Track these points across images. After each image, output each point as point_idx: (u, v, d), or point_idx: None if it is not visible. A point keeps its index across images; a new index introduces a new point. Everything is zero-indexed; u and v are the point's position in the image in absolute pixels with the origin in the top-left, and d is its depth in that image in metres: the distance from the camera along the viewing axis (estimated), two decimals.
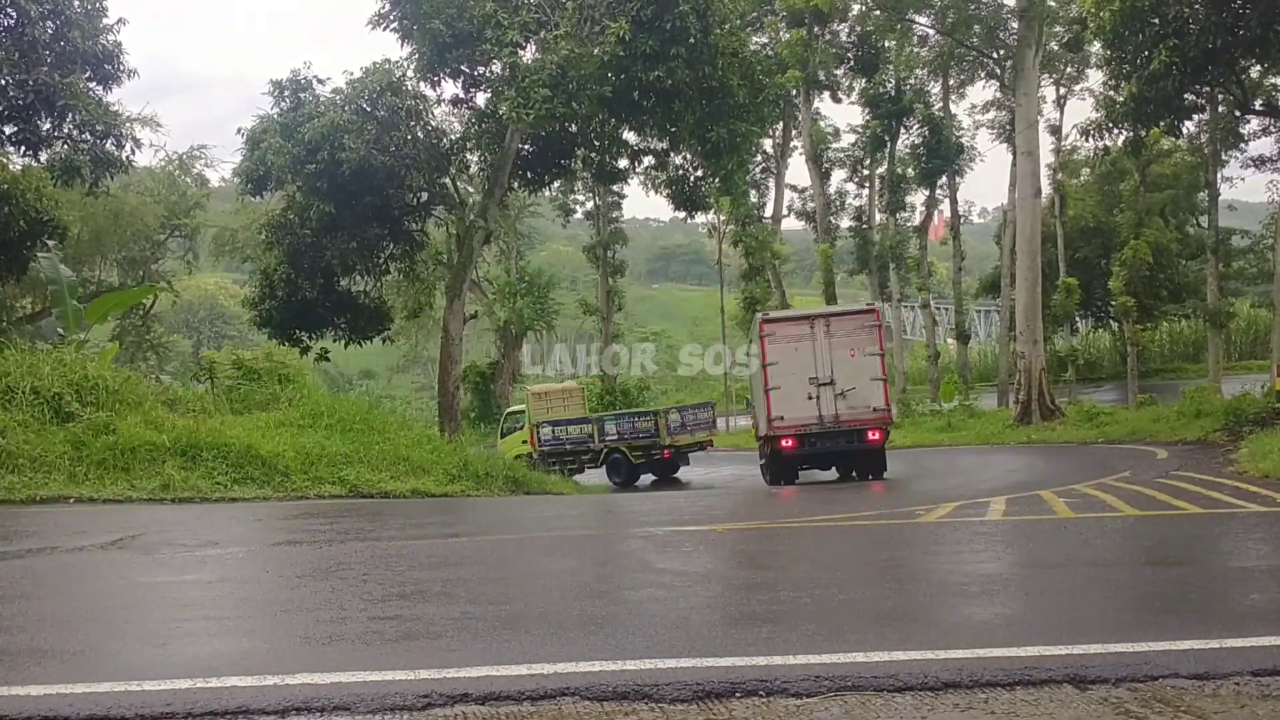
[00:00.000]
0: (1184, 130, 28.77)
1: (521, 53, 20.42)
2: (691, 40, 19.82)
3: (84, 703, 3.58)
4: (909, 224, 42.74)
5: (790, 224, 53.21)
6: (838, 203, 45.04)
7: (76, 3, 19.48)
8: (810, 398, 17.11)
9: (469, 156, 25.04)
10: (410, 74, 22.18)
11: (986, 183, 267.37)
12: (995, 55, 38.00)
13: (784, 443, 17.29)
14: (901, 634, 4.69)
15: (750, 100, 21.92)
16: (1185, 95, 20.48)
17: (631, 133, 24.68)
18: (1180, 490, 12.29)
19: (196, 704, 3.55)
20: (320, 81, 22.80)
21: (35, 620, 5.34)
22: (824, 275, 41.92)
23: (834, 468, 18.57)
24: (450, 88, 23.30)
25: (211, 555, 7.89)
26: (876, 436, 17.42)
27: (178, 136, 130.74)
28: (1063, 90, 42.66)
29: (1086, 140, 24.11)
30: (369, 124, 21.07)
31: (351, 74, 22.17)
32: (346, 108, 21.35)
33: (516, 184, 26.13)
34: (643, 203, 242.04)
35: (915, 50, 39.86)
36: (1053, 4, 33.01)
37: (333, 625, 5.09)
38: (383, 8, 21.48)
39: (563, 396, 30.11)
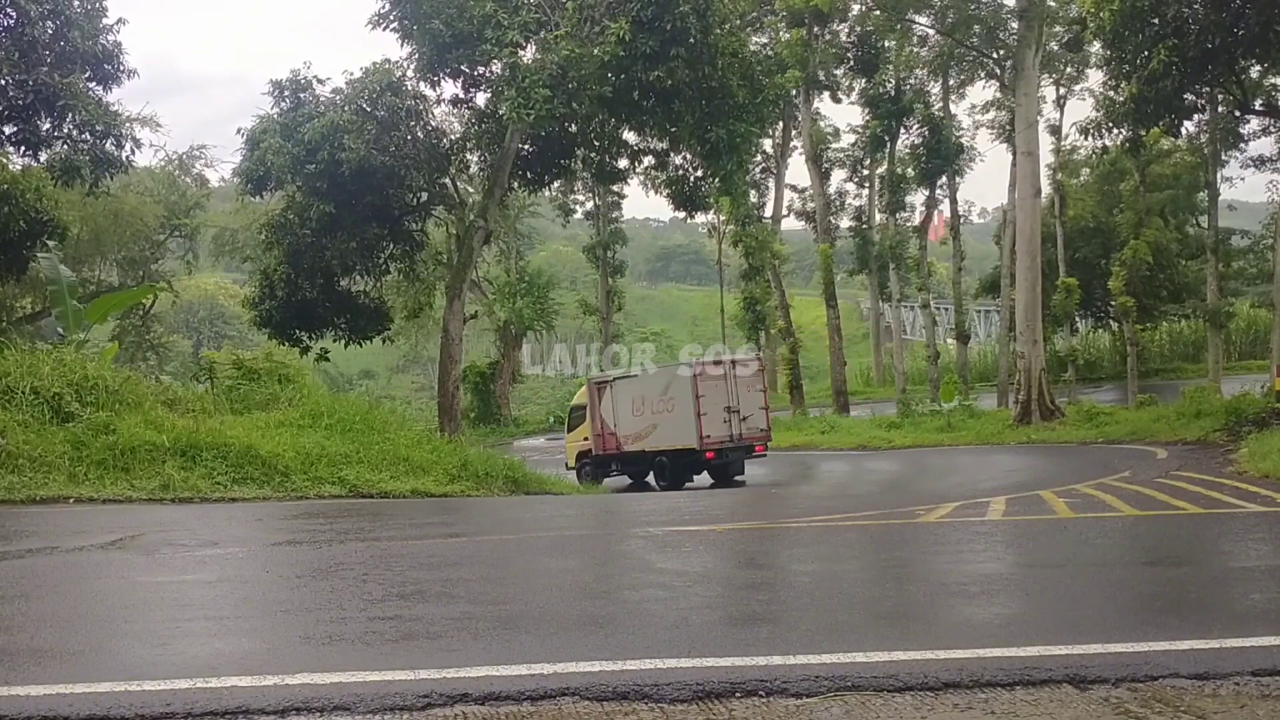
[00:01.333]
0: (1184, 130, 28.80)
1: (521, 53, 20.42)
2: (691, 40, 19.82)
3: (84, 703, 3.58)
4: (909, 224, 42.72)
5: (790, 224, 53.31)
6: (838, 203, 45.06)
7: (76, 3, 19.49)
8: (725, 421, 22.17)
9: (469, 156, 25.04)
10: (410, 74, 22.18)
11: (986, 183, 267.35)
12: (995, 55, 37.97)
13: (708, 454, 22.05)
14: (901, 634, 4.69)
15: (750, 100, 21.92)
16: (1185, 95, 20.48)
17: (631, 133, 24.68)
18: (1180, 490, 12.30)
19: (196, 704, 3.55)
20: (320, 81, 22.82)
21: (35, 620, 5.34)
22: (824, 275, 41.93)
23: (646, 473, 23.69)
24: (450, 88, 23.32)
25: (211, 555, 7.89)
26: (761, 449, 23.05)
27: (178, 136, 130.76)
28: (1063, 90, 42.66)
29: (1086, 139, 24.12)
30: (369, 124, 21.06)
31: (351, 74, 22.20)
32: (346, 108, 21.33)
33: (516, 184, 26.12)
34: (643, 203, 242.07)
35: (915, 50, 39.84)
36: (1053, 4, 33.00)
37: (333, 625, 5.09)
38: (383, 8, 21.48)
39: None
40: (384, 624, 5.05)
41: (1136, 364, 37.63)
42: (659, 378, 23.85)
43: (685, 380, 22.40)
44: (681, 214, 30.59)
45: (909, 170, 39.82)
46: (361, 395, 37.75)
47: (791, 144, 47.12)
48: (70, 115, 19.25)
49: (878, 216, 43.66)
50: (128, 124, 21.68)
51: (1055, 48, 37.43)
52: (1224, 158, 37.86)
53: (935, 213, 42.48)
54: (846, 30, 38.62)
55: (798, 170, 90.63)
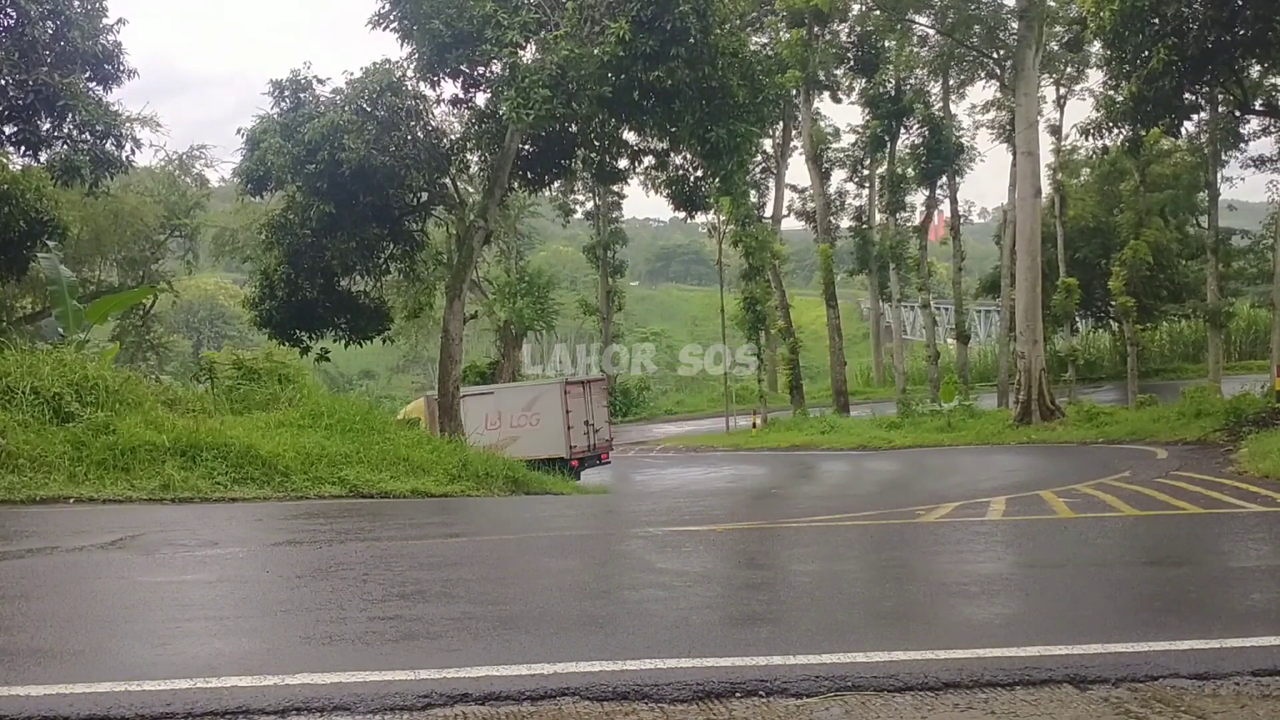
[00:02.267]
0: (1184, 130, 28.76)
1: (521, 53, 20.36)
2: (691, 40, 19.78)
3: (84, 703, 3.58)
4: (909, 224, 42.71)
5: (790, 224, 53.33)
6: (838, 203, 45.05)
7: (76, 3, 19.46)
8: (585, 433, 25.91)
9: (469, 156, 24.97)
10: (410, 74, 22.12)
11: (986, 183, 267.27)
12: (995, 55, 37.97)
13: (574, 462, 24.96)
14: (901, 634, 4.69)
15: (750, 100, 21.86)
16: (1185, 95, 20.46)
17: (631, 133, 24.62)
18: (1180, 490, 12.31)
19: (196, 704, 3.55)
20: (320, 82, 22.72)
21: (35, 620, 5.34)
22: (824, 275, 41.92)
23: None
24: (450, 88, 23.24)
25: (211, 555, 7.88)
26: (606, 457, 26.75)
27: (178, 136, 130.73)
28: (1063, 90, 42.66)
29: (1086, 140, 24.11)
30: (369, 124, 21.00)
31: (351, 74, 22.10)
32: (346, 108, 21.27)
33: (516, 184, 26.07)
34: (643, 203, 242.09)
35: (915, 50, 39.84)
36: (1053, 4, 33.00)
37: (333, 625, 5.09)
38: (383, 8, 21.43)
39: None
40: (384, 624, 5.06)
41: (1136, 364, 37.62)
42: (521, 393, 27.24)
43: (555, 396, 26.12)
44: (681, 214, 30.54)
45: (909, 170, 39.79)
46: (361, 395, 37.75)
47: (791, 144, 47.14)
48: (70, 115, 19.22)
49: (878, 216, 43.66)
50: (128, 124, 21.64)
51: (1055, 48, 37.43)
52: (1224, 158, 37.86)
53: (935, 213, 42.51)
54: (846, 30, 38.61)
55: (798, 170, 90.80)
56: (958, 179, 41.71)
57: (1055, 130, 42.77)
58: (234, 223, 42.36)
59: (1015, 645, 4.26)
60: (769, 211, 48.01)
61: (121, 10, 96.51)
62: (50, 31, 18.97)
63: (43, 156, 19.96)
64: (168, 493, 11.94)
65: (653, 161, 26.04)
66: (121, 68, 19.98)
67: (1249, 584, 6.22)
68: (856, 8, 37.72)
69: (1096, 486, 13.33)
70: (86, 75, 19.58)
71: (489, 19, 20.15)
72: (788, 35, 36.99)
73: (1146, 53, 18.66)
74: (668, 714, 3.48)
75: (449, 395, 22.96)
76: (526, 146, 23.94)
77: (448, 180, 24.41)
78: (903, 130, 38.87)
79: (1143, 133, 21.92)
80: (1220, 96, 29.78)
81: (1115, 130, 21.50)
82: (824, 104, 49.84)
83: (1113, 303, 39.90)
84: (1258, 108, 27.17)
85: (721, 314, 41.21)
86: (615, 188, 45.36)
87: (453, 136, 23.98)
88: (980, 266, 61.87)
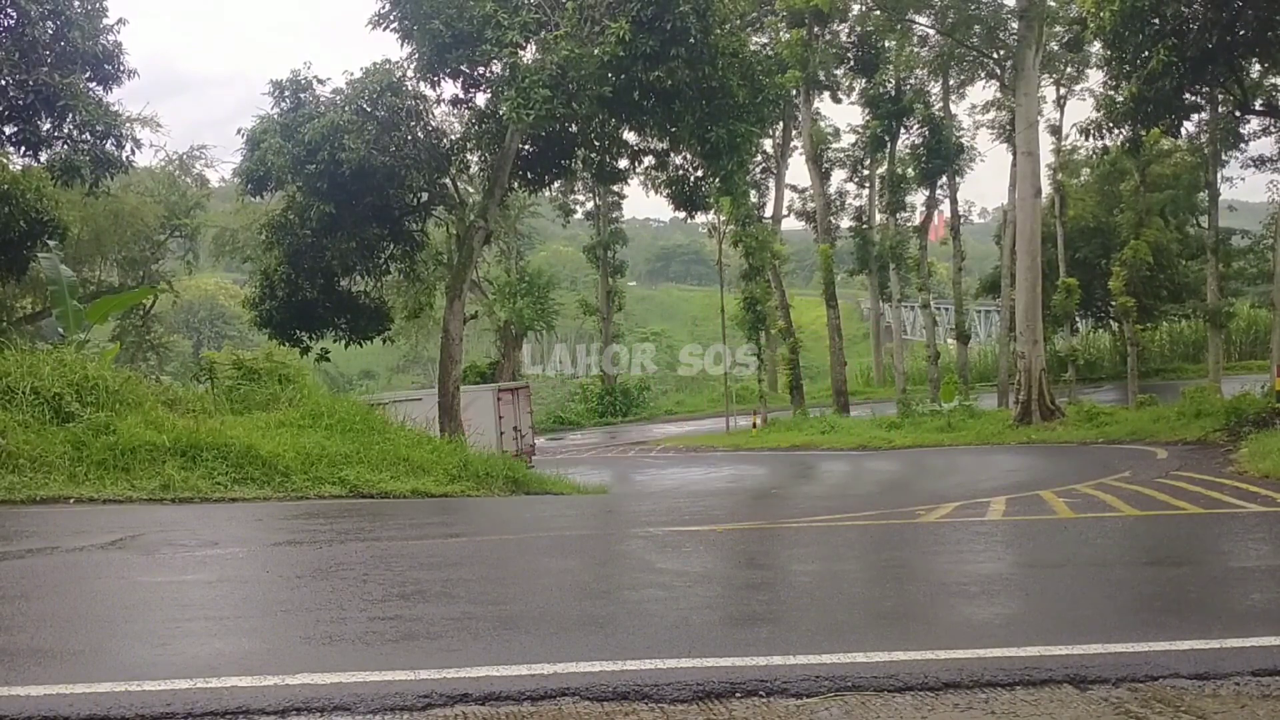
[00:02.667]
0: (1184, 130, 28.77)
1: (521, 53, 20.36)
2: (691, 40, 19.78)
3: (84, 703, 3.58)
4: (909, 224, 42.73)
5: (790, 224, 53.38)
6: (838, 203, 45.08)
7: (76, 3, 19.47)
8: (513, 438, 28.56)
9: (469, 156, 24.97)
10: (410, 74, 22.13)
11: (986, 183, 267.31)
12: (995, 55, 37.98)
13: None
14: (901, 634, 4.69)
15: (750, 100, 21.87)
16: (1185, 95, 20.47)
17: (631, 133, 24.62)
18: (1180, 490, 12.31)
19: (196, 704, 3.55)
20: (320, 82, 22.73)
21: (35, 620, 5.33)
22: (824, 275, 41.92)
23: None
24: (450, 88, 23.25)
25: (211, 555, 7.88)
26: (530, 462, 26.76)
27: (178, 136, 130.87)
28: (1063, 90, 42.69)
29: (1086, 140, 24.12)
30: (369, 124, 21.00)
31: (351, 74, 22.11)
32: (347, 108, 21.28)
33: (516, 184, 26.06)
34: (643, 203, 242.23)
35: (915, 50, 39.85)
36: (1053, 4, 33.00)
37: (333, 625, 5.09)
38: (383, 8, 21.44)
39: None
40: (384, 624, 5.05)
41: (1136, 364, 37.63)
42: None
43: (488, 402, 27.95)
44: (681, 214, 30.60)
45: (909, 170, 39.81)
46: (362, 395, 37.73)
47: (791, 144, 47.18)
48: (70, 115, 19.23)
49: (878, 216, 43.68)
50: (128, 124, 21.65)
51: (1055, 48, 37.45)
52: (1224, 158, 37.88)
53: (935, 213, 42.53)
54: (846, 30, 38.63)
55: (798, 170, 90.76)
56: (958, 179, 41.79)
57: (1055, 130, 42.83)
58: (234, 223, 42.39)
59: (1015, 645, 4.26)
60: (769, 211, 48.07)
61: (121, 10, 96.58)
62: (50, 31, 18.98)
63: (43, 156, 19.96)
64: (168, 493, 11.93)
65: (653, 161, 26.03)
66: (121, 68, 19.99)
67: (1249, 584, 6.22)
68: (856, 8, 37.76)
69: (1096, 486, 13.33)
70: (86, 75, 19.59)
71: (489, 19, 20.15)
72: (788, 35, 37.00)
73: (1146, 53, 18.66)
74: (668, 714, 3.48)
75: (449, 395, 22.95)
76: (526, 146, 23.94)
77: (448, 180, 24.41)
78: (903, 130, 38.89)
79: (1143, 133, 21.92)
80: (1220, 96, 29.79)
81: (1115, 130, 21.49)
82: (824, 104, 49.90)
83: (1113, 303, 39.92)
84: (1258, 108, 27.17)
85: (721, 314, 41.19)
86: (615, 188, 45.38)
87: (453, 137, 23.98)
88: (980, 266, 61.89)
